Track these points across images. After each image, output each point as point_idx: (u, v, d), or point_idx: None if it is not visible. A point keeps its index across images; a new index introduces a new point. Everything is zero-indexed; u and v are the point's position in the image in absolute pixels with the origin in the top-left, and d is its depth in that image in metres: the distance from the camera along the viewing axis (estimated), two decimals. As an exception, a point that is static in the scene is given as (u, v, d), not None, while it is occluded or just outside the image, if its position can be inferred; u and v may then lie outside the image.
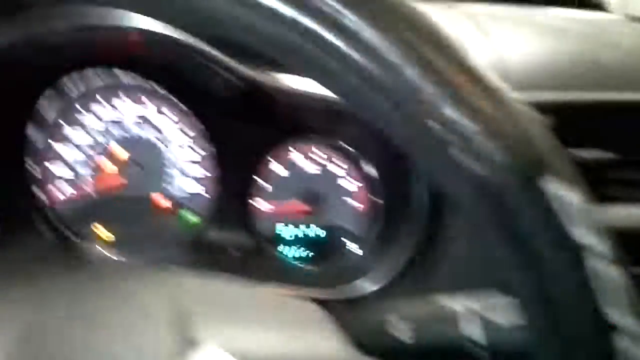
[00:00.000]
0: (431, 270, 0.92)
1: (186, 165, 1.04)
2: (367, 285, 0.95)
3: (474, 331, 0.63)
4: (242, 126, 0.96)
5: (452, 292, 0.88)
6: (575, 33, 1.00)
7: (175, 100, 0.97)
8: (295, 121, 0.96)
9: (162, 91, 0.97)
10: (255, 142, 0.98)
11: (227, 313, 0.56)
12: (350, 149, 1.03)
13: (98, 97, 0.99)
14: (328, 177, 1.07)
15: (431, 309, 0.68)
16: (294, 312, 0.60)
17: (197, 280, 0.59)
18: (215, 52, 0.82)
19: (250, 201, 1.01)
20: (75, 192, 1.01)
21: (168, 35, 0.82)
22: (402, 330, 0.67)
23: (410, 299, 0.71)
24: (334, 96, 0.79)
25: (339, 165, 1.07)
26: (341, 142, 1.03)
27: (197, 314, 0.53)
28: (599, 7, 1.18)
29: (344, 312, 0.84)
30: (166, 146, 1.02)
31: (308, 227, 1.09)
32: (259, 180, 1.01)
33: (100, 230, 1.03)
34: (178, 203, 1.05)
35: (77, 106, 0.98)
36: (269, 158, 1.00)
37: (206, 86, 0.92)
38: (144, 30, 0.79)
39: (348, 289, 0.95)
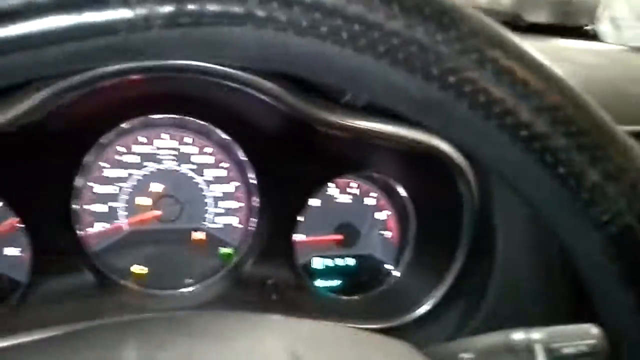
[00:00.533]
0: (476, 297, 0.93)
1: (222, 198, 1.03)
2: (411, 312, 0.95)
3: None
4: (288, 159, 0.96)
5: (498, 317, 0.90)
6: (587, 64, 1.07)
7: (217, 131, 0.97)
8: (341, 155, 0.97)
9: (201, 122, 0.97)
10: (299, 176, 0.98)
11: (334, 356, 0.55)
12: (384, 178, 1.04)
13: (133, 133, 0.97)
14: (359, 207, 1.09)
15: (500, 342, 0.69)
16: (386, 348, 0.60)
17: (306, 324, 0.58)
18: (268, 85, 0.83)
19: (290, 234, 1.01)
20: (109, 226, 0.98)
21: (210, 67, 0.83)
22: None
23: (477, 333, 0.72)
24: (387, 130, 0.82)
25: (370, 195, 1.08)
26: (374, 173, 1.04)
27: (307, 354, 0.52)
28: (596, 37, 1.26)
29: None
30: (202, 179, 1.02)
31: (342, 257, 1.09)
32: (299, 214, 1.00)
33: (136, 267, 1.00)
34: (213, 235, 1.03)
35: (113, 143, 0.97)
36: (312, 192, 1.00)
37: (252, 117, 0.93)
38: (147, 69, 0.79)
39: (394, 317, 0.96)
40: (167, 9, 0.31)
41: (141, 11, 0.31)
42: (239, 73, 0.82)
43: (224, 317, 0.56)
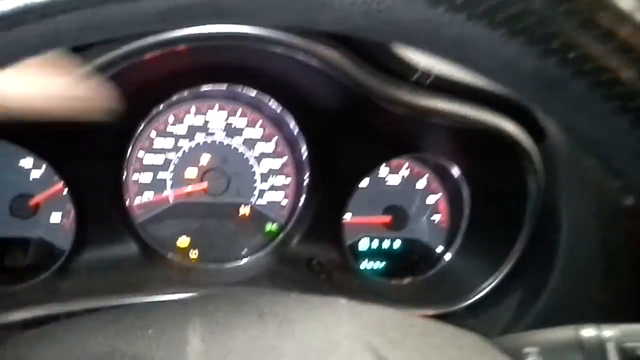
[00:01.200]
0: (536, 285, 0.89)
1: (270, 173, 1.00)
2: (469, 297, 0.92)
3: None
4: (343, 136, 0.93)
5: (559, 308, 0.86)
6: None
7: (270, 102, 0.93)
8: (398, 136, 0.93)
9: (253, 93, 0.93)
10: (354, 154, 0.95)
11: (404, 343, 0.52)
12: (438, 159, 1.00)
13: (184, 104, 0.95)
14: (409, 189, 1.05)
15: (568, 337, 0.65)
16: (459, 341, 0.56)
17: (374, 311, 0.54)
18: (332, 54, 0.78)
19: (339, 214, 0.97)
20: (156, 197, 0.96)
21: (267, 34, 0.78)
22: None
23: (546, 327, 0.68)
24: (456, 110, 0.78)
25: (421, 178, 1.05)
26: (428, 154, 1.00)
27: (382, 345, 0.49)
28: None
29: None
30: (250, 153, 0.99)
31: (389, 240, 1.06)
32: (349, 193, 0.97)
33: (181, 240, 0.97)
34: (260, 211, 1.00)
35: (164, 113, 0.94)
36: (364, 172, 0.96)
37: (308, 89, 0.89)
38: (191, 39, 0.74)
39: (446, 302, 0.92)
40: None
41: None
42: (297, 40, 0.78)
43: (292, 299, 0.53)
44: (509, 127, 0.84)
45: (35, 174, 0.91)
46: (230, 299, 0.52)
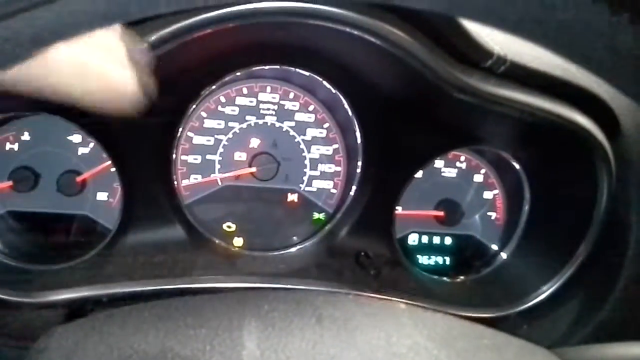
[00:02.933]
0: (601, 291, 0.83)
1: (320, 160, 0.96)
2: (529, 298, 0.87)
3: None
4: (401, 123, 0.88)
5: (626, 316, 0.80)
6: None
7: (324, 84, 0.89)
8: (461, 126, 0.88)
9: (307, 74, 0.89)
10: (411, 144, 0.89)
11: (473, 357, 0.47)
12: (498, 152, 0.95)
13: (236, 84, 0.91)
14: (465, 183, 1.00)
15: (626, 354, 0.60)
16: (530, 358, 0.52)
17: (438, 319, 0.50)
18: (400, 35, 0.72)
19: (392, 206, 0.93)
20: (204, 179, 0.93)
21: (328, 10, 0.72)
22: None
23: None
24: (529, 101, 0.72)
25: (479, 172, 0.99)
26: (487, 146, 0.95)
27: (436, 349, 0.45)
28: None
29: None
30: (302, 138, 0.95)
31: (440, 236, 1.01)
32: (404, 185, 0.92)
33: (227, 225, 0.95)
34: (308, 199, 0.97)
35: (215, 93, 0.91)
36: (421, 163, 0.92)
37: (366, 71, 0.84)
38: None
39: (503, 305, 0.87)
40: None
41: None
42: (363, 18, 0.72)
43: (351, 301, 0.49)
44: (583, 120, 0.78)
45: (84, 150, 0.89)
46: (286, 299, 0.48)
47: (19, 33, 0.28)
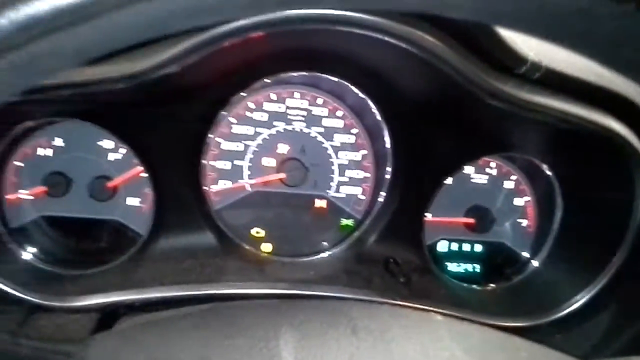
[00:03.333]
0: (635, 300, 0.82)
1: (349, 166, 0.96)
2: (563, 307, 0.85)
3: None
4: (431, 128, 0.87)
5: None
6: None
7: (353, 89, 0.89)
8: (492, 132, 0.87)
9: (336, 80, 0.89)
10: (441, 149, 0.89)
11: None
12: (529, 158, 0.93)
13: (264, 90, 0.91)
14: (496, 190, 0.99)
15: None
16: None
17: (475, 331, 0.50)
18: (431, 41, 0.72)
19: (421, 213, 0.92)
20: (233, 184, 0.94)
21: (357, 16, 0.72)
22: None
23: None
24: (565, 108, 0.70)
25: (510, 178, 0.98)
26: (519, 152, 0.93)
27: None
28: None
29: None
30: (330, 144, 0.95)
31: (470, 243, 1.00)
32: (433, 191, 0.91)
33: (255, 230, 0.95)
34: (336, 205, 0.97)
35: (244, 99, 0.91)
36: (451, 169, 0.91)
37: (396, 77, 0.84)
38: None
39: (536, 313, 0.86)
40: None
41: None
42: (393, 24, 0.71)
43: (386, 312, 0.49)
44: (619, 128, 0.77)
45: (115, 156, 0.90)
46: (320, 309, 0.48)
47: (63, 47, 0.28)
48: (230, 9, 0.29)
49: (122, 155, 0.90)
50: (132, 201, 0.93)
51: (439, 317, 0.51)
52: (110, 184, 0.91)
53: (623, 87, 0.75)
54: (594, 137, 0.79)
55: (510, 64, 0.70)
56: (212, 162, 0.92)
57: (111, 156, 0.91)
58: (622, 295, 0.84)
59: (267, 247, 0.95)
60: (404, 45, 0.73)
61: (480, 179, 0.98)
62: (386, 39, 0.72)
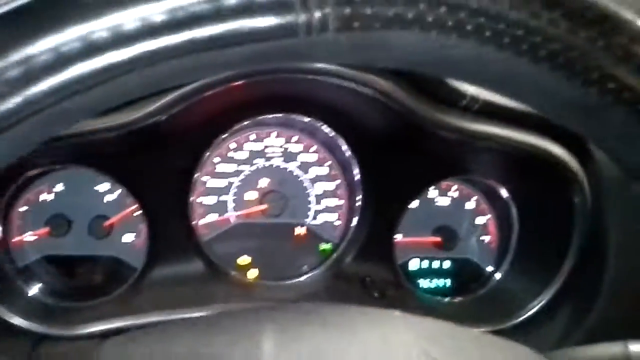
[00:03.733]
0: (586, 301, 0.91)
1: (324, 195, 1.06)
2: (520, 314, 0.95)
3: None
4: (394, 159, 0.98)
5: (609, 324, 0.88)
6: None
7: (323, 128, 0.99)
8: (447, 158, 0.98)
9: (308, 120, 1.00)
10: (403, 177, 1.00)
11: (459, 352, 0.55)
12: (487, 181, 1.04)
13: (244, 131, 1.02)
14: (458, 210, 1.08)
15: (617, 353, 0.66)
16: (513, 351, 0.59)
17: (429, 323, 0.58)
18: (383, 83, 0.84)
19: (391, 234, 1.02)
20: (219, 218, 1.03)
21: (322, 67, 0.85)
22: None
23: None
24: (505, 134, 0.81)
25: (470, 199, 1.08)
26: (477, 176, 1.04)
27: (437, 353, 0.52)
28: None
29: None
30: (306, 176, 1.05)
31: (439, 260, 1.09)
32: (400, 214, 1.01)
33: (242, 258, 1.04)
34: (314, 231, 1.06)
35: (225, 140, 1.02)
36: (414, 194, 1.01)
37: (359, 115, 0.95)
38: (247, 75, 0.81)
39: (499, 320, 0.95)
40: (345, 11, 0.33)
41: (319, 14, 0.32)
42: (351, 71, 0.84)
43: (352, 310, 0.58)
44: (557, 150, 0.87)
45: (111, 197, 0.99)
46: (296, 310, 0.57)
47: (86, 102, 0.36)
48: (239, 62, 0.37)
49: (117, 196, 0.99)
50: (128, 237, 1.01)
51: (398, 313, 0.60)
52: (107, 222, 1.00)
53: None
54: (537, 159, 0.90)
55: (452, 98, 0.82)
56: (199, 199, 1.02)
57: (107, 197, 1.00)
58: (573, 299, 0.94)
59: (253, 273, 1.04)
60: (363, 89, 0.85)
61: (444, 201, 1.08)
62: (348, 84, 0.85)
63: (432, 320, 0.60)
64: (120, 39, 0.31)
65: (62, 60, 0.30)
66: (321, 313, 0.56)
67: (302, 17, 0.33)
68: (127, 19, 0.31)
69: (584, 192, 0.89)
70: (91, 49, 0.31)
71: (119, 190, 0.99)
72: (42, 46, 0.30)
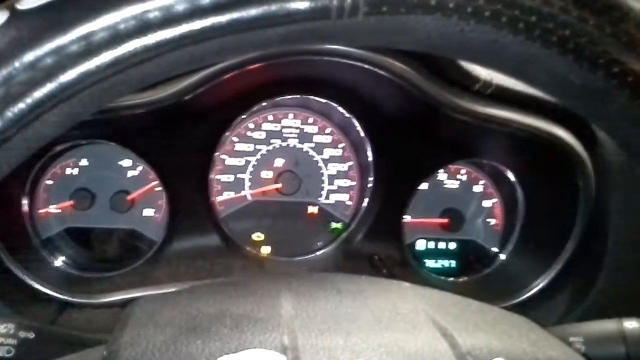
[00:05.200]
0: (586, 282, 0.95)
1: (337, 176, 1.10)
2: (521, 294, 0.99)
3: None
4: (406, 141, 1.02)
5: (608, 304, 0.91)
6: None
7: (339, 109, 1.03)
8: (458, 142, 1.02)
9: (324, 101, 1.03)
10: (415, 159, 1.03)
11: (462, 317, 0.58)
12: (495, 165, 1.07)
13: (262, 112, 1.06)
14: (466, 193, 1.12)
15: (612, 329, 0.69)
16: (510, 319, 0.62)
17: (435, 293, 0.62)
18: (400, 66, 0.87)
19: (400, 215, 1.06)
20: (235, 195, 1.07)
21: (342, 49, 0.88)
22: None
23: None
24: (515, 118, 0.85)
25: (478, 183, 1.12)
26: (486, 160, 1.07)
27: (442, 318, 0.55)
28: None
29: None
30: (320, 157, 1.09)
31: (445, 241, 1.13)
32: (410, 196, 1.05)
33: (256, 235, 1.08)
34: (326, 210, 1.10)
35: (244, 120, 1.05)
36: (424, 176, 1.05)
37: (375, 98, 0.98)
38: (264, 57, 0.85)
39: (502, 299, 0.99)
40: None
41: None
42: (367, 54, 0.87)
43: (364, 280, 0.62)
44: (563, 134, 0.91)
45: (133, 172, 1.04)
46: (312, 278, 0.61)
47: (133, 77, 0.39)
48: (275, 42, 0.40)
49: (139, 172, 1.04)
50: (148, 212, 1.06)
51: (407, 284, 0.64)
52: (129, 197, 1.04)
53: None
54: (544, 143, 0.93)
55: (466, 82, 0.85)
56: (217, 176, 1.06)
57: (129, 173, 1.04)
58: (574, 279, 0.98)
59: (266, 249, 1.08)
60: (379, 70, 0.89)
61: (453, 184, 1.12)
62: (365, 66, 0.89)
63: (439, 292, 0.64)
64: (171, 19, 0.35)
65: (118, 37, 0.34)
66: (334, 281, 0.60)
67: (335, 1, 0.36)
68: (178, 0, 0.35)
69: (588, 176, 0.93)
70: (144, 27, 0.34)
71: (141, 167, 1.03)
72: (100, 23, 0.34)
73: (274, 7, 0.36)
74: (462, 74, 0.85)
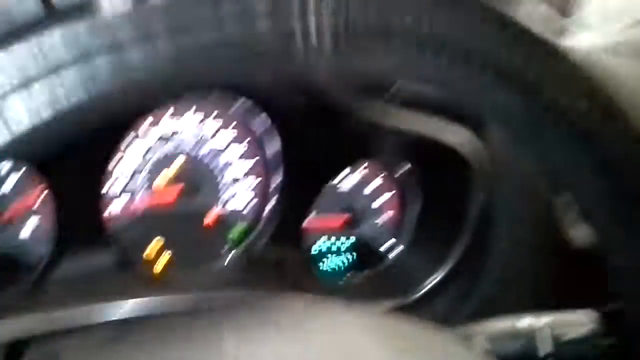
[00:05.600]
0: (470, 283, 1.01)
1: (239, 178, 1.06)
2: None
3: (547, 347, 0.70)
4: (315, 139, 1.01)
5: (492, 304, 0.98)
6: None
7: (242, 99, 0.99)
8: (364, 141, 1.02)
9: (227, 93, 0.98)
10: (323, 160, 1.03)
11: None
12: (394, 162, 1.10)
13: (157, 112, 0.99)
14: (364, 189, 1.13)
15: (506, 327, 0.73)
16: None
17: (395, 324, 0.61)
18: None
19: (303, 216, 1.05)
20: (129, 205, 1.00)
21: None
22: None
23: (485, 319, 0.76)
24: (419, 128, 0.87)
25: (376, 178, 1.13)
26: (386, 157, 1.09)
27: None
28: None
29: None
30: (220, 158, 1.03)
31: (346, 238, 1.14)
32: (315, 195, 1.05)
33: (153, 247, 1.02)
34: (229, 214, 1.06)
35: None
36: (331, 174, 1.05)
37: (285, 93, 0.96)
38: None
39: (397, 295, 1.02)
40: None
41: None
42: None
43: (304, 311, 0.59)
44: (458, 135, 0.95)
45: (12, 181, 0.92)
46: (256, 310, 0.57)
47: None
48: None
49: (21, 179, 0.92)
50: (33, 221, 0.95)
51: (352, 311, 0.62)
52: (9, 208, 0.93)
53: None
54: (441, 144, 0.97)
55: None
56: (107, 185, 0.97)
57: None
58: (465, 275, 1.04)
59: (164, 261, 1.02)
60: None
61: (352, 181, 1.12)
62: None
63: (387, 319, 0.63)
64: None
65: None
66: (275, 309, 0.57)
67: None
68: None
69: (480, 176, 0.98)
70: None
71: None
72: None
73: None
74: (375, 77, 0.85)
